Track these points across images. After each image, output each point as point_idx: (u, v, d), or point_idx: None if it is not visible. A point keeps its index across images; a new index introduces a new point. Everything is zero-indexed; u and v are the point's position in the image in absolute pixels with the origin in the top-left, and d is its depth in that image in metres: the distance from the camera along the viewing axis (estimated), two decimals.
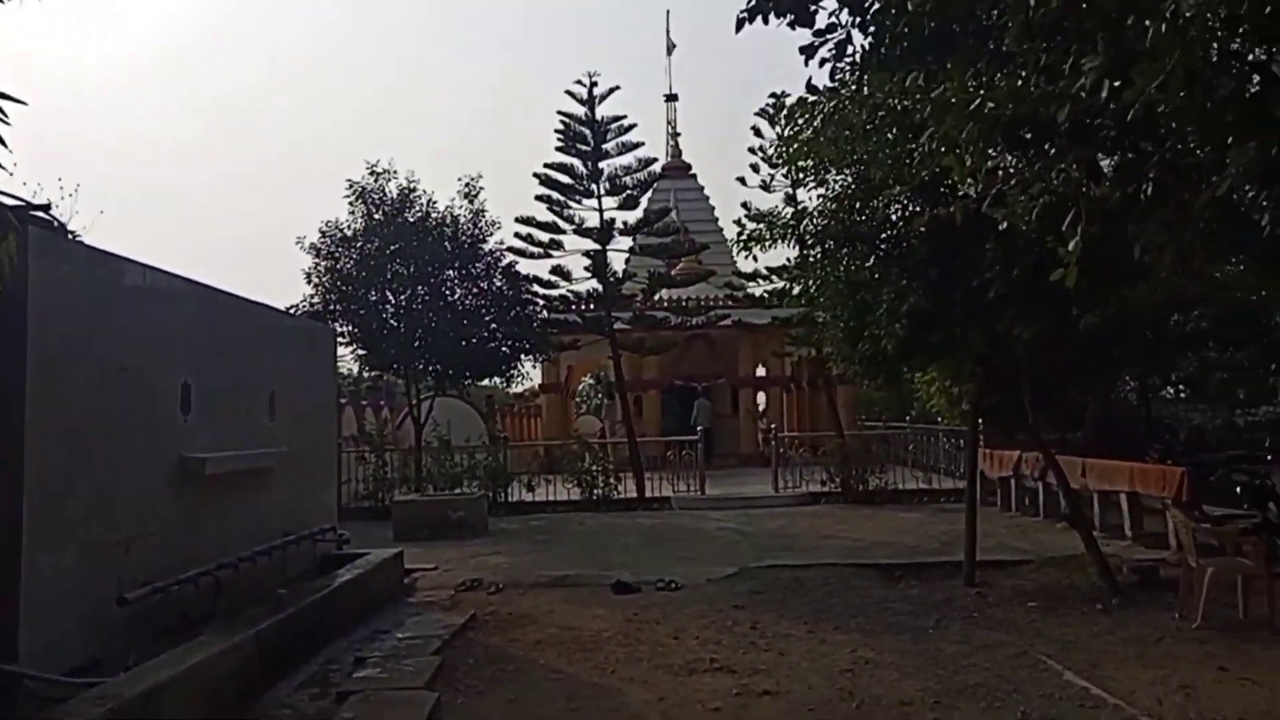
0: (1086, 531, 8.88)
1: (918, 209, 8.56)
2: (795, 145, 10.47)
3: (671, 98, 38.23)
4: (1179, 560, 9.80)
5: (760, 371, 28.19)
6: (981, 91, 5.95)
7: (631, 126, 18.24)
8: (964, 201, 6.98)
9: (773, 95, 19.20)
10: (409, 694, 5.99)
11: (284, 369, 9.12)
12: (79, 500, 5.63)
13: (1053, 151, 5.83)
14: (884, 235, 8.92)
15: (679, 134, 37.66)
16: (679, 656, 7.01)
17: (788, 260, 18.43)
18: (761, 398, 29.05)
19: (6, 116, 3.34)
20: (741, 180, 19.38)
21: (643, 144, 18.40)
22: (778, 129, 19.14)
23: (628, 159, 18.50)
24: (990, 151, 6.34)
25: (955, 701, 5.74)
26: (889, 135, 8.45)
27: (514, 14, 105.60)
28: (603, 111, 18.30)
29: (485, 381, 21.42)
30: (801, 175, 10.43)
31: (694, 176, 34.08)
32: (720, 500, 17.57)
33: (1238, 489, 9.92)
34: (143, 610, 6.03)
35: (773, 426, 20.12)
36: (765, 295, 19.88)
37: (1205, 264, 9.01)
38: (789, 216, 10.17)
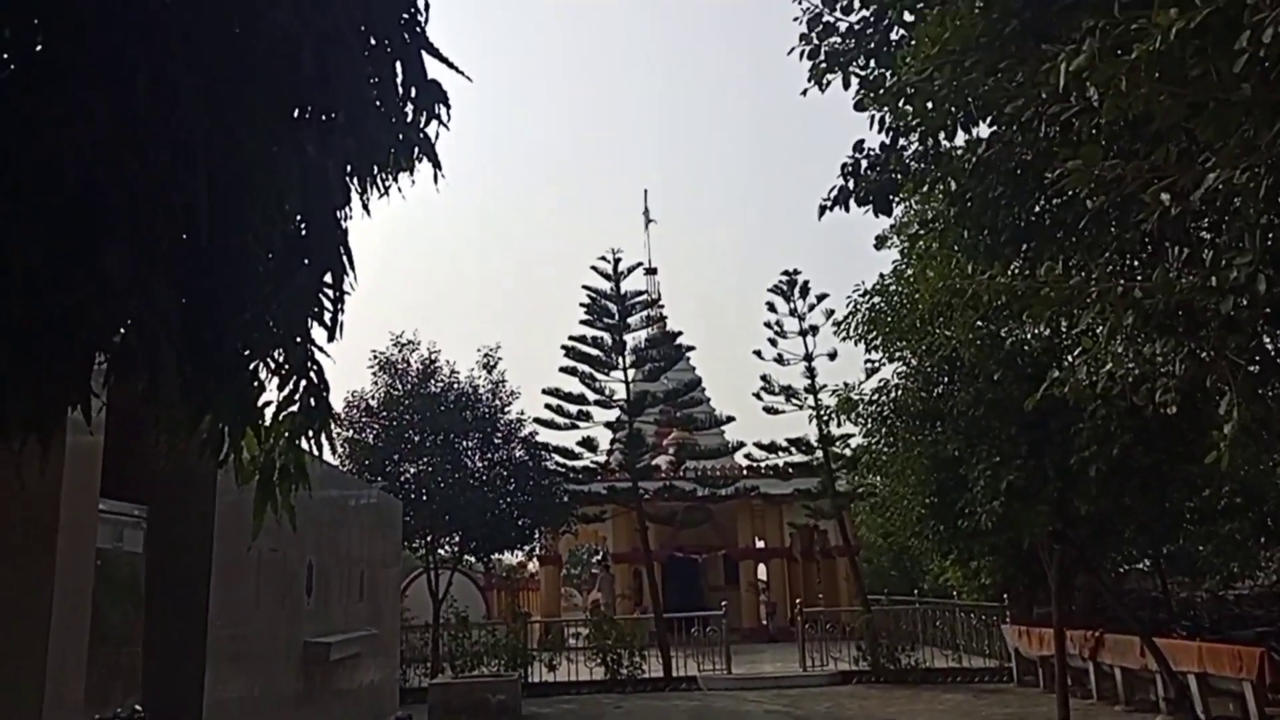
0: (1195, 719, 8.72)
1: (1008, 389, 8.81)
2: (866, 326, 10.90)
3: (651, 271, 39.41)
4: None
5: (759, 544, 27.95)
6: (1122, 281, 6.30)
7: (654, 301, 18.76)
8: (1076, 383, 7.25)
9: (785, 273, 20.06)
10: None
11: (369, 545, 8.91)
12: (237, 693, 5.35)
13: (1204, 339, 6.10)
14: (972, 413, 9.13)
15: (663, 306, 38.77)
16: None
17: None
18: (762, 570, 28.63)
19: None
20: (758, 353, 19.84)
21: (665, 318, 18.85)
22: (792, 303, 19.88)
23: (651, 331, 18.94)
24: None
25: None
26: (980, 318, 8.82)
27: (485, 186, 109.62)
28: (625, 286, 18.85)
29: (497, 555, 20.89)
30: (874, 353, 10.77)
31: (679, 347, 34.73)
32: (748, 680, 17.01)
33: None
34: None
35: (797, 602, 19.74)
36: (784, 466, 20.00)
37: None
38: (869, 392, 10.47)
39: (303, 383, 3.10)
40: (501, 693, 13.64)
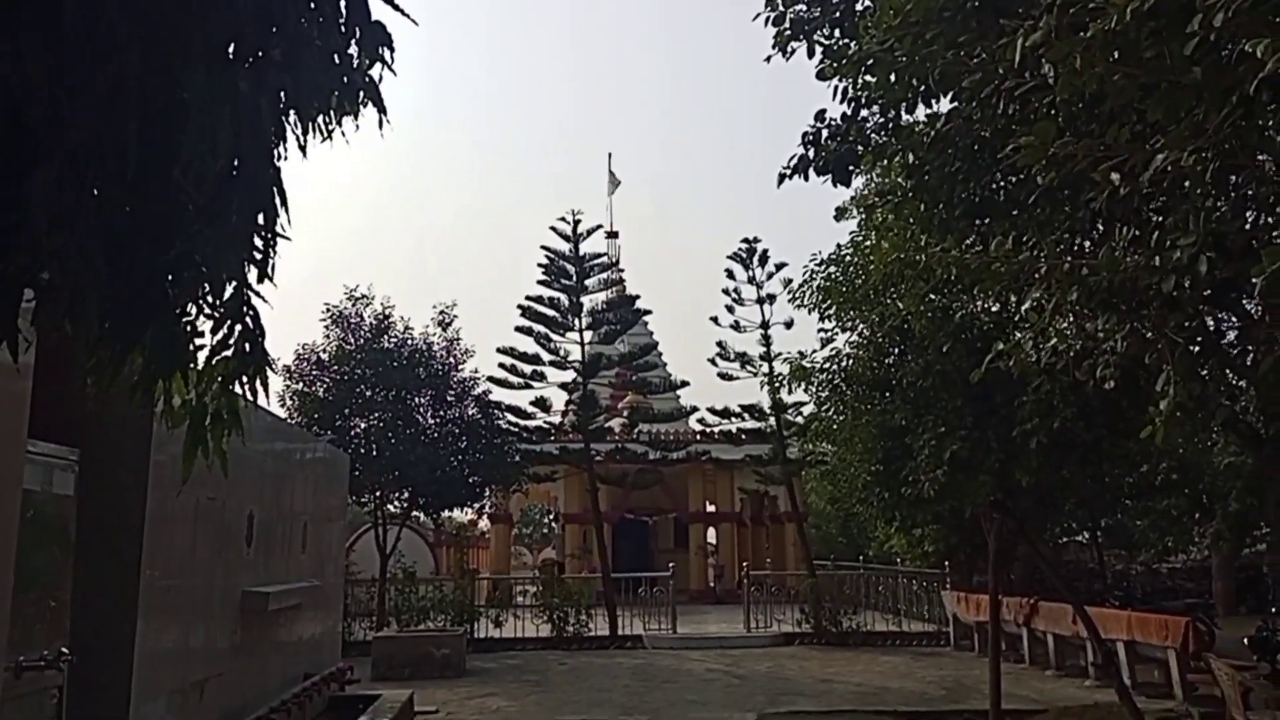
0: (1121, 684, 9.00)
1: (957, 361, 8.91)
2: (820, 295, 10.97)
3: (612, 234, 39.20)
4: (1185, 710, 10.04)
5: (709, 508, 28.23)
6: (1069, 258, 6.40)
7: (613, 264, 18.70)
8: (1022, 357, 7.37)
9: (744, 241, 20.09)
10: None
11: (314, 496, 8.84)
12: (171, 641, 5.30)
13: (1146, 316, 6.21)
14: (920, 384, 9.24)
15: (622, 270, 38.71)
16: None
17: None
18: (711, 534, 28.95)
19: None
20: (714, 320, 19.89)
21: (624, 281, 18.80)
22: (751, 271, 19.92)
23: (608, 294, 18.90)
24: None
25: None
26: (931, 291, 8.92)
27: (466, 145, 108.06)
28: (584, 248, 18.74)
29: (447, 512, 20.87)
30: (828, 322, 10.85)
31: (636, 311, 34.74)
32: (693, 639, 17.25)
33: (1245, 640, 10.24)
34: None
35: (745, 565, 20.00)
36: (736, 431, 20.17)
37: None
38: (823, 359, 10.57)
39: (237, 327, 3.04)
40: (446, 647, 13.71)
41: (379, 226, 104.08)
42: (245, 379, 3.21)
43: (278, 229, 2.51)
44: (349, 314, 17.81)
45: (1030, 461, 9.02)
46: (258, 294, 3.29)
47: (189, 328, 3.05)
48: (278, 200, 2.45)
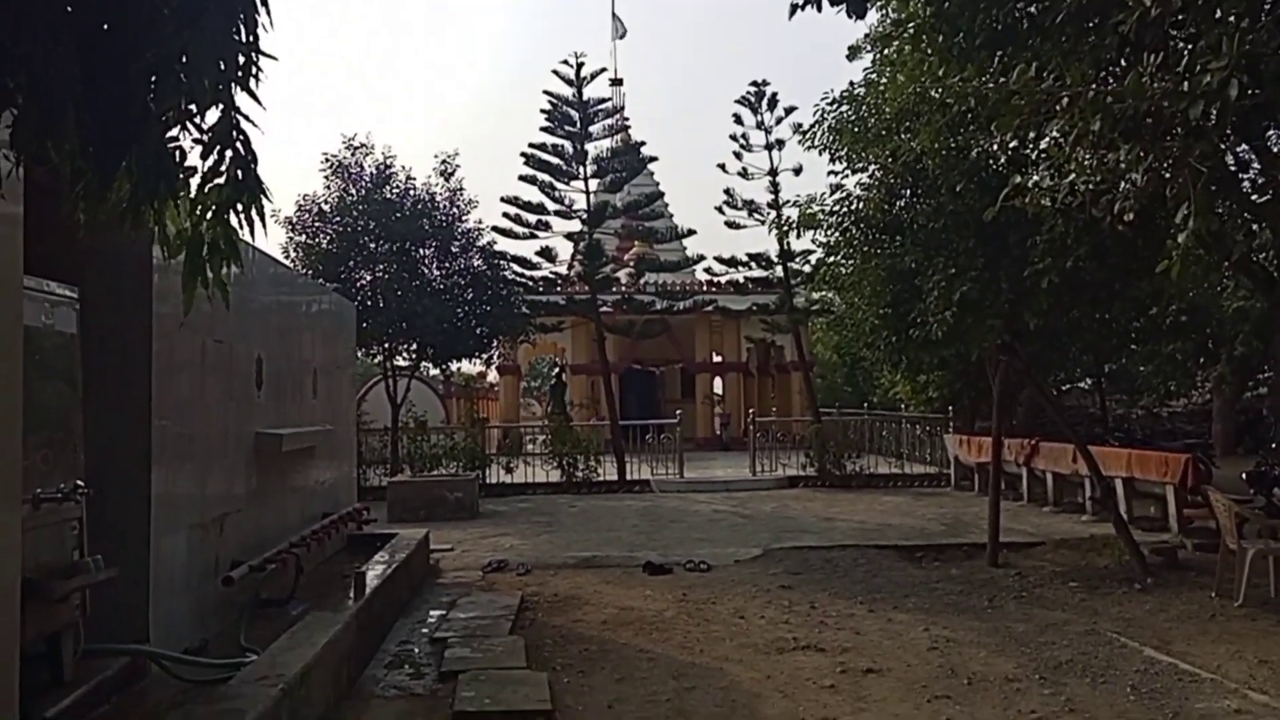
0: (1118, 517, 9.22)
1: (970, 202, 8.71)
2: (831, 135, 10.65)
3: (617, 82, 37.94)
4: (1180, 542, 10.32)
5: (716, 357, 28.44)
6: (1094, 86, 6.14)
7: (617, 111, 18.17)
8: (1037, 194, 7.19)
9: (753, 84, 19.45)
10: (518, 673, 5.91)
11: (323, 345, 8.87)
12: (187, 478, 5.40)
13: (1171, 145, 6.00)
14: (931, 225, 9.07)
15: (627, 117, 37.69)
16: (758, 636, 7.06)
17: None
18: (718, 383, 29.27)
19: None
20: (722, 167, 19.49)
21: (629, 128, 18.32)
22: (760, 116, 19.35)
23: (613, 141, 18.45)
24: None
25: (1058, 677, 5.92)
26: (947, 126, 8.63)
27: None
28: (588, 93, 18.18)
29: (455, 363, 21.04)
30: (838, 163, 10.57)
31: (641, 159, 34.03)
32: (700, 483, 17.69)
33: (1243, 475, 10.42)
34: (237, 590, 5.83)
35: (750, 413, 20.28)
36: (743, 280, 20.09)
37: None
38: (833, 202, 10.28)
39: (228, 153, 2.93)
40: (459, 490, 14.07)
41: (386, 75, 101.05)
42: (240, 208, 3.12)
43: (258, 33, 2.36)
44: (348, 164, 17.47)
45: (1040, 303, 8.97)
46: (247, 118, 3.15)
47: (176, 151, 2.93)
48: (258, 2, 2.29)
